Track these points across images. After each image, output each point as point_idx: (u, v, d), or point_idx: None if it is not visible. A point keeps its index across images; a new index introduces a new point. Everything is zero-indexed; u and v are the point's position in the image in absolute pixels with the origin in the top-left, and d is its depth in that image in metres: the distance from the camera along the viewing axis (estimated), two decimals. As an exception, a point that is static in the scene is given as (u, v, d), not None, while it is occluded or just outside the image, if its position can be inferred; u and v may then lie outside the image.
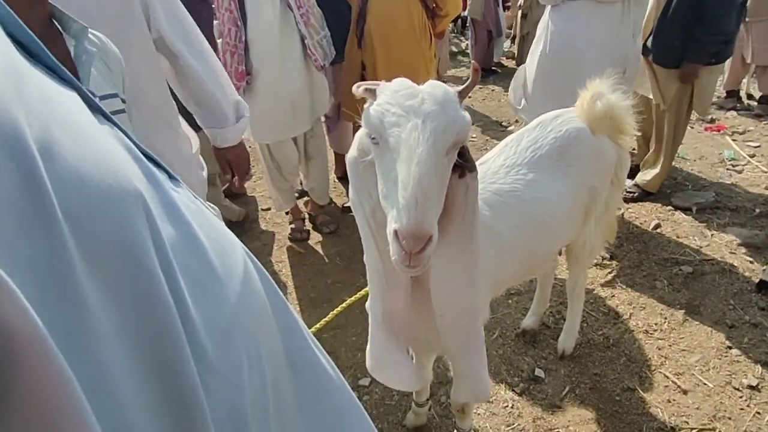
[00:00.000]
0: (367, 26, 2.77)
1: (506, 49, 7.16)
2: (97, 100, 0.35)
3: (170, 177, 0.37)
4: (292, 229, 3.00)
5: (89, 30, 1.00)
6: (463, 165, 0.95)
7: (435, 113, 0.84)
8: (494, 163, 1.46)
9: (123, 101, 1.10)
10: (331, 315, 1.51)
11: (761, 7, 4.17)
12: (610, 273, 2.51)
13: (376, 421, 1.82)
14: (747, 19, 4.20)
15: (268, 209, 3.29)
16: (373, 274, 1.06)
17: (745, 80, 4.87)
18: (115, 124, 0.35)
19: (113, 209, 0.28)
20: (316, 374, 0.48)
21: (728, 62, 4.59)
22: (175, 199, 0.35)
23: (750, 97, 4.84)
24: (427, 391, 1.74)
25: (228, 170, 1.63)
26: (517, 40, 6.46)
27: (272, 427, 0.39)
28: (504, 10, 6.28)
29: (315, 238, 2.99)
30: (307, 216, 3.13)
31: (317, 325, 1.52)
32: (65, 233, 0.24)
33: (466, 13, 6.25)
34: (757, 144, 3.90)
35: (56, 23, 0.99)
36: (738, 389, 1.85)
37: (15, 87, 0.26)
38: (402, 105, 0.85)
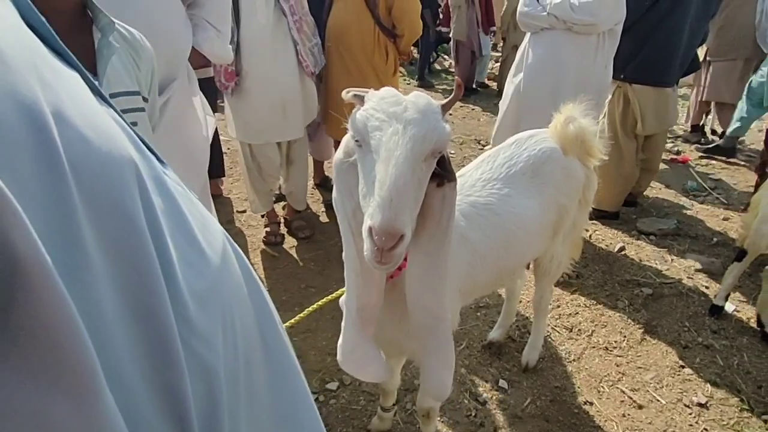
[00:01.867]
0: (326, 36, 2.85)
1: (489, 70, 7.35)
2: (96, 83, 0.38)
3: (159, 160, 0.41)
4: (267, 232, 3.00)
5: (118, 25, 1.04)
6: (443, 174, 1.00)
7: (416, 120, 0.89)
8: (471, 177, 1.52)
9: (145, 100, 1.13)
10: (304, 313, 1.53)
11: (721, 48, 4.41)
12: (575, 291, 2.60)
13: (342, 424, 1.83)
14: (707, 58, 4.45)
15: (244, 211, 3.28)
16: (350, 271, 1.10)
17: (710, 117, 5.12)
18: (111, 107, 0.38)
19: (111, 169, 0.31)
20: (285, 357, 0.51)
21: (693, 98, 4.85)
22: (163, 177, 0.39)
23: (714, 132, 5.09)
24: (394, 397, 1.76)
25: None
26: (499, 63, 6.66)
27: (242, 397, 0.42)
28: (486, 34, 6.46)
29: (290, 243, 3.00)
30: (282, 220, 3.14)
31: (288, 323, 1.54)
32: (71, 182, 0.28)
33: (451, 34, 6.42)
34: (717, 177, 4.10)
35: (90, 13, 1.02)
36: (688, 406, 1.94)
37: (29, 58, 0.29)
38: (386, 111, 0.90)
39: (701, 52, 4.55)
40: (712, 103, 4.82)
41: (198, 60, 1.73)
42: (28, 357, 0.23)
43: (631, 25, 2.73)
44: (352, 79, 3.01)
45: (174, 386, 0.32)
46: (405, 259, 1.14)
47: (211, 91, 3.00)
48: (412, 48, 3.10)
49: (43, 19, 0.36)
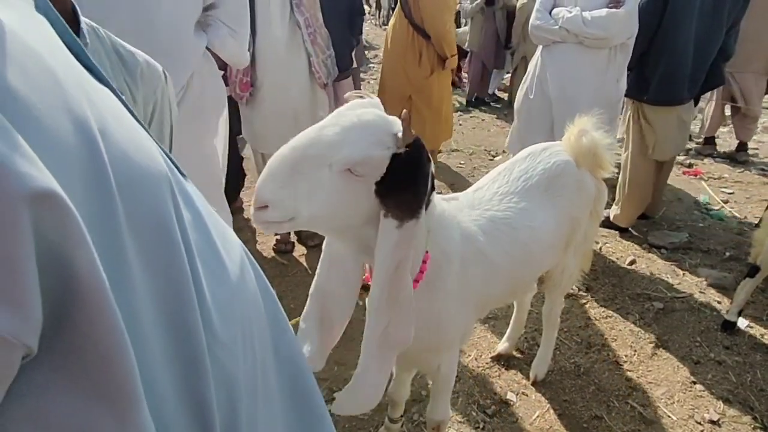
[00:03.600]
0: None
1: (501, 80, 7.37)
2: (124, 98, 0.40)
3: (182, 174, 0.43)
4: (277, 240, 3.02)
5: (113, 41, 1.00)
6: (397, 214, 0.97)
7: (331, 129, 0.94)
8: (489, 191, 1.52)
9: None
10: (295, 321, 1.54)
11: (740, 60, 4.37)
12: (585, 304, 2.58)
13: (349, 434, 1.83)
14: (728, 70, 4.41)
15: (255, 218, 3.31)
16: (325, 256, 1.18)
17: (723, 129, 5.08)
18: (141, 124, 0.40)
19: (150, 185, 0.33)
20: (297, 369, 0.52)
21: (709, 111, 4.81)
22: (189, 190, 0.40)
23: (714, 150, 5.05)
24: (402, 408, 1.76)
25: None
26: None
27: (260, 404, 0.43)
28: (506, 48, 6.48)
29: (299, 251, 3.02)
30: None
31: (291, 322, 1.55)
32: (117, 198, 0.29)
33: (466, 46, 6.44)
34: (730, 191, 4.07)
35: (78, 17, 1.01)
36: (700, 423, 1.92)
37: (76, 76, 0.31)
38: (339, 112, 0.98)
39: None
40: (730, 116, 4.78)
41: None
42: (78, 373, 0.24)
43: (650, 46, 2.76)
44: (384, 78, 3.05)
45: (201, 393, 0.34)
46: (416, 281, 1.14)
47: (232, 102, 3.04)
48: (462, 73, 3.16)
49: (75, 36, 0.37)
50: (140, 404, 0.27)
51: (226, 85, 2.70)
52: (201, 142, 1.71)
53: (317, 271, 1.21)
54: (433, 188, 1.11)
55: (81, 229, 0.24)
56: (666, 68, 2.83)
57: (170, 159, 0.42)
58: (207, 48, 1.67)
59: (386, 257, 0.97)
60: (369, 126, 0.95)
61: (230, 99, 2.70)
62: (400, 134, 0.94)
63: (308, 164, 0.92)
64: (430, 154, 3.08)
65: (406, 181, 0.97)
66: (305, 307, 1.21)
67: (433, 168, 1.08)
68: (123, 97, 0.39)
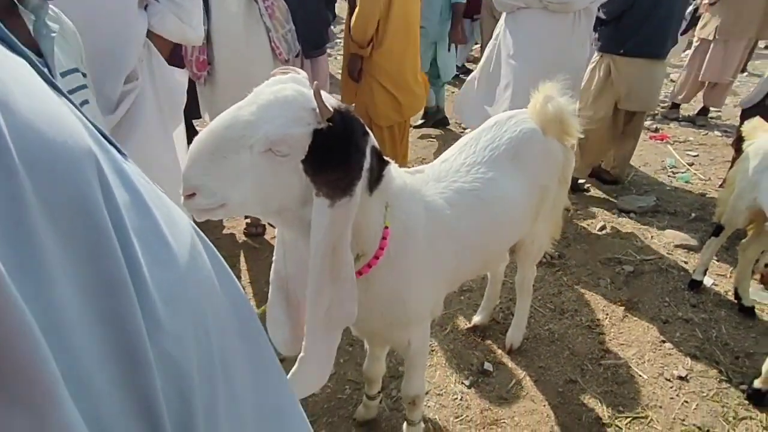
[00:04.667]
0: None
1: (470, 52, 7.31)
2: (46, 71, 0.35)
3: (120, 153, 0.38)
4: (247, 224, 2.96)
5: (48, 4, 0.97)
6: (328, 192, 0.93)
7: (258, 106, 0.90)
8: (456, 162, 1.49)
9: (84, 75, 1.07)
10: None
11: (731, 28, 4.37)
12: (558, 271, 2.62)
13: (328, 414, 1.82)
14: (717, 37, 4.44)
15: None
16: (278, 241, 1.15)
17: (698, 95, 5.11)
18: (65, 97, 0.35)
19: (67, 162, 0.29)
20: (265, 350, 0.49)
21: (688, 77, 4.84)
22: (126, 170, 0.37)
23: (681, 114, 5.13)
24: (379, 385, 1.76)
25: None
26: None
27: (220, 396, 0.40)
28: (472, 21, 6.38)
29: (271, 233, 2.96)
30: (263, 210, 3.10)
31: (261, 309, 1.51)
32: (22, 177, 0.25)
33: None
34: (695, 153, 4.16)
35: None
36: (669, 380, 1.98)
37: None
38: (258, 90, 0.94)
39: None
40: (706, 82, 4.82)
41: (163, 46, 1.66)
42: None
43: (633, 3, 2.83)
44: (345, 54, 2.99)
45: (145, 390, 0.31)
46: (376, 258, 1.12)
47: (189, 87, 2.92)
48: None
49: None
50: (62, 403, 0.24)
51: (182, 66, 2.59)
52: (158, 140, 1.62)
53: (274, 256, 1.17)
54: (382, 162, 1.07)
55: None
56: (655, 23, 2.92)
57: (104, 135, 0.37)
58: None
59: (321, 238, 0.94)
60: (286, 103, 0.90)
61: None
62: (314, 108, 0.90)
63: (228, 147, 0.88)
64: (396, 127, 2.98)
65: (333, 158, 0.92)
66: (269, 295, 1.18)
67: (373, 141, 1.04)
68: (45, 70, 0.34)
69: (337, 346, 1.10)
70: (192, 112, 2.93)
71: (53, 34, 0.95)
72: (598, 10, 2.74)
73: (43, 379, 0.23)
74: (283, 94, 0.92)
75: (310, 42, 2.84)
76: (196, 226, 0.46)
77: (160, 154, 1.63)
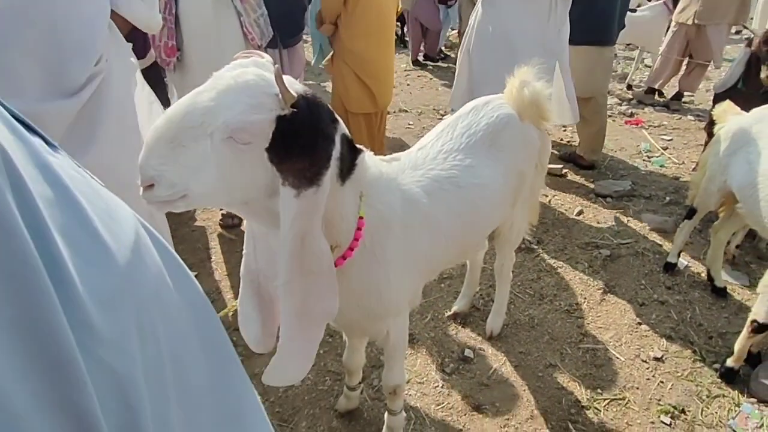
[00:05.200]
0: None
1: (447, 38, 7.27)
2: None
3: (48, 143, 0.35)
4: (223, 215, 2.90)
5: None
6: (294, 182, 0.90)
7: (218, 91, 0.86)
8: (432, 149, 1.46)
9: None
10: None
11: (711, 12, 4.38)
12: (536, 257, 2.63)
13: (309, 406, 1.80)
14: (696, 21, 4.46)
15: (198, 194, 3.15)
16: (248, 235, 1.12)
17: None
18: None
19: None
20: (224, 350, 0.47)
21: (665, 62, 4.88)
22: (50, 163, 0.33)
23: (661, 94, 5.20)
24: (359, 376, 1.74)
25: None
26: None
27: (172, 400, 0.37)
28: (447, 6, 6.34)
29: (248, 224, 2.91)
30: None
31: (229, 308, 1.47)
32: None
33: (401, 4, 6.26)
34: (669, 138, 4.22)
35: None
36: (645, 361, 2.01)
37: None
38: (217, 74, 0.90)
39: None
40: (683, 67, 4.87)
41: (122, 26, 1.59)
42: None
43: None
44: None
45: (73, 401, 0.28)
46: (351, 249, 1.09)
47: (156, 77, 2.83)
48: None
49: None
50: None
51: (143, 55, 2.50)
52: (127, 121, 1.55)
53: (244, 250, 1.13)
54: (354, 151, 1.04)
55: None
56: (597, 10, 3.03)
57: (25, 124, 0.33)
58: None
59: (289, 229, 0.90)
60: (247, 88, 0.86)
61: (147, 70, 2.51)
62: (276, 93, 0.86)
63: (187, 135, 0.83)
64: (373, 115, 2.94)
65: (297, 146, 0.88)
66: (240, 291, 1.14)
67: (344, 129, 1.00)
68: None
69: (320, 339, 1.07)
70: (160, 102, 2.85)
71: None
72: None
73: None
74: (244, 79, 0.87)
75: (287, 31, 2.77)
76: (143, 221, 0.43)
77: (130, 136, 1.56)
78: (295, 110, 0.86)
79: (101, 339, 0.31)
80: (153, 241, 0.41)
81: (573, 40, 2.91)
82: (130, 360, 0.33)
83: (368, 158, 1.10)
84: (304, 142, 0.88)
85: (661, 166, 3.68)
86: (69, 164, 0.36)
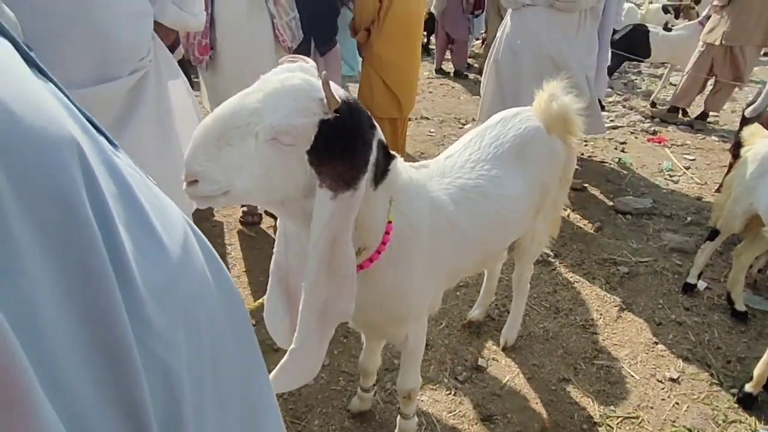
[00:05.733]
0: None
1: (471, 48, 7.27)
2: (33, 54, 0.33)
3: (111, 143, 0.37)
4: (243, 212, 2.94)
5: None
6: (331, 184, 0.92)
7: (265, 94, 0.89)
8: (460, 158, 1.48)
9: None
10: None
11: (741, 33, 4.35)
12: (553, 270, 2.62)
13: (321, 405, 1.82)
14: (723, 42, 4.40)
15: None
16: (280, 232, 1.14)
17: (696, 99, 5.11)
18: (52, 82, 0.34)
19: (46, 150, 0.27)
20: (254, 347, 0.49)
21: (688, 81, 4.83)
22: (115, 161, 0.35)
23: (685, 113, 5.15)
24: (374, 378, 1.76)
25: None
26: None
27: (208, 395, 0.39)
28: (475, 17, 6.32)
29: (267, 222, 2.94)
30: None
31: (258, 302, 1.50)
32: None
33: (432, 8, 6.27)
34: (692, 157, 4.18)
35: None
36: (661, 381, 1.99)
37: None
38: (265, 77, 0.93)
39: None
40: (709, 86, 4.82)
41: (165, 35, 1.64)
42: None
43: None
44: None
45: (128, 389, 0.29)
46: (378, 252, 1.11)
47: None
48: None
49: None
50: (35, 405, 0.23)
51: (171, 50, 2.56)
52: (165, 138, 1.61)
53: (275, 248, 1.16)
54: (388, 157, 1.06)
55: None
56: None
57: (93, 124, 0.36)
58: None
59: (322, 230, 0.92)
60: (293, 92, 0.89)
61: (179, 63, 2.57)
62: (324, 99, 0.88)
63: (233, 134, 0.86)
64: (396, 122, 2.98)
65: (338, 150, 0.91)
66: (268, 286, 1.17)
67: (380, 135, 1.02)
68: (32, 55, 0.32)
69: (329, 339, 1.09)
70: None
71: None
72: None
73: (15, 382, 0.21)
74: (291, 83, 0.90)
75: (322, 37, 2.81)
76: (189, 220, 0.45)
77: (166, 134, 1.61)
78: (337, 115, 0.89)
79: (154, 331, 0.32)
80: (197, 239, 0.43)
81: None
82: (177, 353, 0.34)
83: (400, 164, 1.12)
84: (344, 146, 0.91)
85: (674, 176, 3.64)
86: (129, 163, 0.38)
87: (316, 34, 2.78)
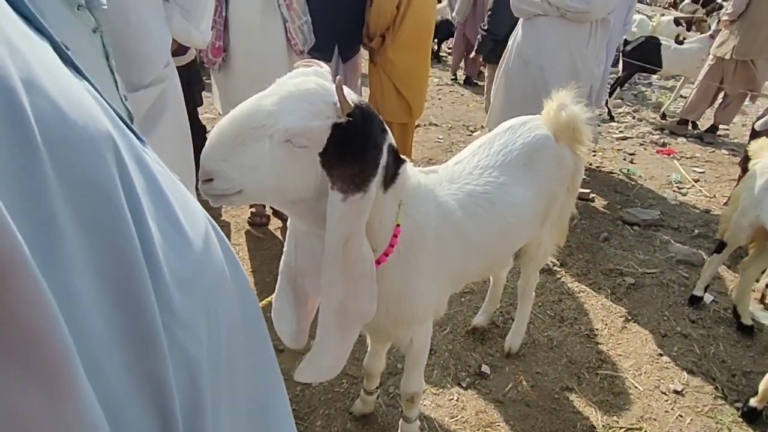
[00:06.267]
0: None
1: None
2: (70, 53, 0.35)
3: (139, 139, 0.38)
4: (252, 213, 2.96)
5: None
6: (342, 187, 0.94)
7: (280, 97, 0.91)
8: (469, 164, 1.49)
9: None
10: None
11: (753, 47, 4.35)
12: (559, 279, 2.62)
13: (324, 406, 1.83)
14: (734, 56, 4.39)
15: (230, 191, 3.23)
16: (290, 233, 1.16)
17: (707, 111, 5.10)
18: (87, 79, 0.35)
19: (87, 144, 0.29)
20: (266, 344, 0.50)
21: (698, 94, 4.82)
22: (144, 156, 0.36)
23: (695, 126, 5.13)
24: (378, 380, 1.77)
25: None
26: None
27: (224, 385, 0.40)
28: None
29: (275, 224, 2.97)
30: (268, 201, 3.11)
31: (266, 300, 1.51)
32: (44, 158, 0.25)
33: (453, 15, 6.27)
34: (701, 170, 4.16)
35: None
36: (665, 393, 1.99)
37: None
38: (281, 81, 0.95)
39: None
40: (719, 100, 4.80)
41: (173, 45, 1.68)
42: (2, 350, 0.21)
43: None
44: None
45: (156, 376, 0.31)
46: (386, 255, 1.13)
47: (193, 74, 2.95)
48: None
49: None
50: (79, 384, 0.24)
51: (184, 51, 2.61)
52: (177, 134, 1.65)
53: (284, 248, 1.18)
54: (398, 161, 1.08)
55: None
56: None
57: (123, 120, 0.37)
58: None
59: (333, 231, 0.94)
60: (307, 95, 0.91)
61: (186, 67, 2.62)
62: (337, 103, 0.91)
63: (248, 135, 0.89)
64: (405, 127, 3.00)
65: (349, 153, 0.93)
66: (277, 286, 1.18)
67: (391, 139, 1.04)
68: (68, 54, 0.34)
69: (354, 340, 1.10)
70: (194, 99, 2.97)
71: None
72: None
73: (61, 360, 0.22)
74: (305, 87, 0.92)
75: (348, 45, 2.85)
76: (210, 217, 0.46)
77: (179, 147, 1.66)
78: (350, 119, 0.91)
79: (179, 319, 0.33)
80: (217, 236, 0.45)
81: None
82: (199, 342, 0.36)
83: (409, 168, 1.14)
84: (355, 150, 0.93)
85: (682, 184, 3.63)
86: (155, 158, 0.40)
87: (342, 42, 2.83)
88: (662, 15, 8.50)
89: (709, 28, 5.84)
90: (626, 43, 5.29)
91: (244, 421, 0.45)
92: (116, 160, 0.31)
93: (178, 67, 1.74)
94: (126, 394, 0.29)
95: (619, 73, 5.59)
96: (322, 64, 1.01)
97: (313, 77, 0.94)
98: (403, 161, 1.10)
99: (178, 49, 1.81)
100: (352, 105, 0.91)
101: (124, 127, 0.36)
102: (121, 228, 0.29)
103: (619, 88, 5.58)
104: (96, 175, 0.28)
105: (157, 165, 0.39)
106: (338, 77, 0.90)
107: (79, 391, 0.23)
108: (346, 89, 0.91)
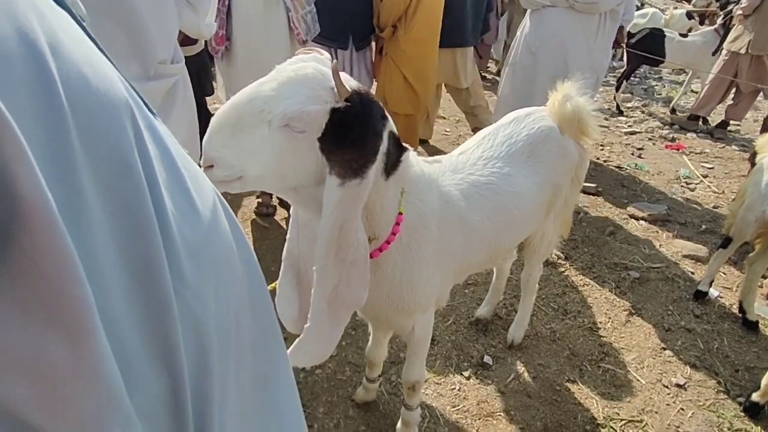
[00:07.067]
0: None
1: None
2: (85, 25, 0.36)
3: (150, 111, 0.39)
4: (258, 203, 2.98)
5: None
6: (339, 172, 0.95)
7: (279, 82, 0.92)
8: (473, 155, 1.50)
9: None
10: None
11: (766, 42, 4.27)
12: (563, 272, 2.62)
13: (327, 394, 1.85)
14: (750, 51, 4.32)
15: (236, 181, 3.25)
16: (293, 220, 1.17)
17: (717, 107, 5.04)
18: (103, 52, 0.36)
19: (109, 111, 0.30)
20: (269, 318, 0.51)
21: (711, 89, 4.75)
22: (156, 125, 0.37)
23: (705, 121, 5.07)
24: (380, 369, 1.78)
25: None
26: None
27: (232, 353, 0.41)
28: (497, 18, 6.29)
29: (281, 214, 2.99)
30: (275, 191, 3.13)
31: (270, 286, 1.54)
32: (69, 120, 0.26)
33: None
34: (710, 166, 4.12)
35: None
36: (667, 387, 1.99)
37: None
38: (280, 67, 0.96)
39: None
40: (732, 95, 4.74)
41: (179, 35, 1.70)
42: (25, 296, 0.22)
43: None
44: None
45: (167, 336, 0.32)
46: (387, 242, 1.13)
47: (202, 64, 2.96)
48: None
49: None
50: (96, 334, 0.25)
51: (194, 41, 2.62)
52: (188, 117, 1.68)
53: (287, 235, 1.19)
54: (401, 148, 1.08)
55: (16, 138, 0.22)
56: (453, 16, 3.16)
57: (135, 91, 0.38)
58: None
59: (329, 216, 0.95)
60: (306, 80, 0.92)
61: (196, 57, 2.63)
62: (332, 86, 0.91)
63: (248, 121, 0.90)
64: (411, 119, 3.00)
65: (348, 138, 0.93)
66: (280, 272, 1.20)
67: (392, 126, 1.05)
68: (84, 25, 0.35)
69: (345, 326, 1.11)
70: (204, 88, 2.99)
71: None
72: None
73: (82, 309, 0.24)
74: (303, 72, 0.93)
75: (361, 33, 2.87)
76: (217, 190, 0.47)
77: (188, 142, 1.68)
78: (348, 104, 0.91)
79: (188, 285, 0.34)
80: (223, 208, 0.46)
81: (440, 44, 3.14)
82: (206, 308, 0.37)
83: (412, 157, 1.14)
84: (354, 135, 0.93)
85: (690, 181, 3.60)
86: (166, 131, 0.41)
87: (355, 31, 2.84)
88: (675, 8, 8.38)
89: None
90: (631, 35, 5.23)
91: (249, 390, 0.46)
92: (133, 127, 0.32)
93: (187, 57, 1.76)
94: (137, 351, 0.30)
95: (624, 67, 5.54)
96: (322, 51, 1.02)
97: (312, 63, 0.95)
98: (406, 149, 1.10)
99: (186, 39, 1.82)
100: (350, 90, 0.91)
101: (138, 97, 0.37)
102: (138, 194, 0.30)
103: (625, 81, 5.52)
104: (116, 142, 0.29)
105: (168, 137, 0.39)
106: (333, 62, 0.91)
107: (98, 345, 0.25)
108: (344, 75, 0.92)
